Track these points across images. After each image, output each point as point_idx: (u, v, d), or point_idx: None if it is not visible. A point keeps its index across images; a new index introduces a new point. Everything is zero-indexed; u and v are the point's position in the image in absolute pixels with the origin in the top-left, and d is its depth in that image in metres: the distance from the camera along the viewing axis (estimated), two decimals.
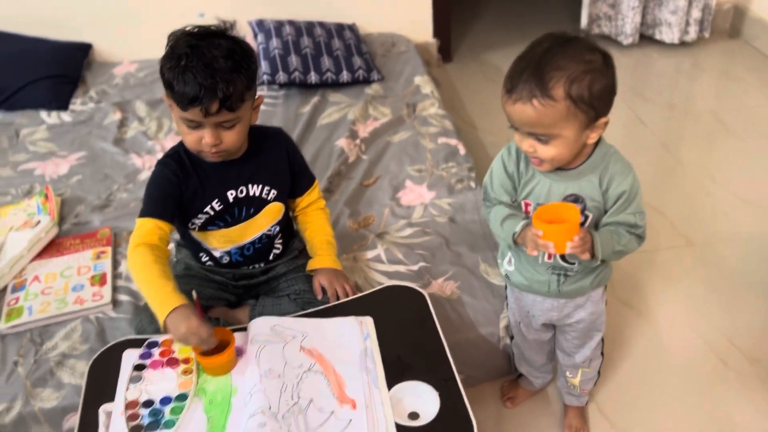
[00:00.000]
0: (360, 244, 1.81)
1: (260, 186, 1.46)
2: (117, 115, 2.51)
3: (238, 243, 1.51)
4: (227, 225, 1.47)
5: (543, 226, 1.14)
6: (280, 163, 1.51)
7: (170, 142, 2.34)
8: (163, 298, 1.28)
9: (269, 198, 1.49)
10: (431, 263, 1.72)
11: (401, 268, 1.71)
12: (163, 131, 2.42)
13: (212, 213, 1.44)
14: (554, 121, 1.10)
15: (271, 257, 1.58)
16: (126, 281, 1.74)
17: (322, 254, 1.55)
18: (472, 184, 2.00)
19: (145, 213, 1.40)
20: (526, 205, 1.26)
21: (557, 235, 1.14)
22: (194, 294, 1.31)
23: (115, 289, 1.71)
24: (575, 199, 1.21)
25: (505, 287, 1.49)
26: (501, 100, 1.14)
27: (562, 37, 1.12)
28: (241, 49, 1.30)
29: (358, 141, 2.26)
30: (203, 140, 1.31)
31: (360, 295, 1.49)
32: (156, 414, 1.21)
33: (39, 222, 1.87)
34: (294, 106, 2.49)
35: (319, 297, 1.50)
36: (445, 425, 1.19)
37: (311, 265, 1.55)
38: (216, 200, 1.43)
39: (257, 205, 1.48)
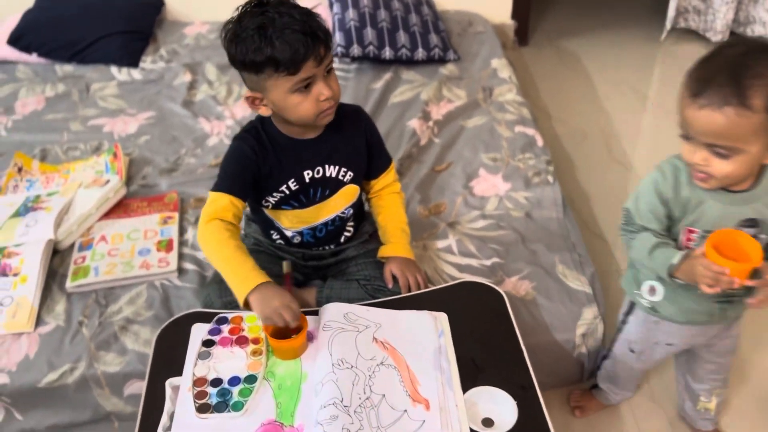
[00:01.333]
0: (430, 232, 1.75)
1: (337, 167, 1.41)
2: (187, 77, 2.48)
3: (311, 224, 1.46)
4: (301, 205, 1.42)
5: (728, 263, 1.02)
6: (357, 144, 1.45)
7: (239, 110, 2.30)
8: (245, 274, 1.26)
9: (345, 180, 1.43)
10: (505, 260, 1.65)
11: (473, 262, 1.65)
12: (232, 97, 2.38)
13: (287, 192, 1.39)
14: (744, 134, 1.00)
15: (342, 240, 1.53)
16: (192, 249, 1.72)
17: (396, 242, 1.50)
18: (550, 179, 1.91)
19: (220, 187, 1.36)
20: (690, 232, 1.15)
21: (743, 272, 1.03)
22: (286, 267, 1.27)
23: (180, 257, 1.69)
24: (752, 224, 1.11)
25: (627, 313, 1.38)
26: (680, 103, 1.05)
27: (758, 42, 1.01)
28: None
29: (430, 123, 2.19)
30: (320, 97, 1.25)
31: (433, 288, 1.43)
32: (224, 394, 1.18)
33: (108, 181, 1.86)
34: (366, 82, 2.42)
35: (390, 286, 1.45)
36: None
37: (383, 252, 1.50)
38: (292, 179, 1.38)
39: (333, 186, 1.43)
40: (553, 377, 1.57)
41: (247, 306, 1.24)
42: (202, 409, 1.16)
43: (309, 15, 1.22)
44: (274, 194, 1.39)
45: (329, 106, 1.29)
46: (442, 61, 2.52)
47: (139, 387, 1.46)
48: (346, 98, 2.30)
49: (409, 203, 1.85)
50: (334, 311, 1.32)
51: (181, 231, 1.78)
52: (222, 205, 1.33)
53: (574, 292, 1.56)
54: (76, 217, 1.75)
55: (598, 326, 1.52)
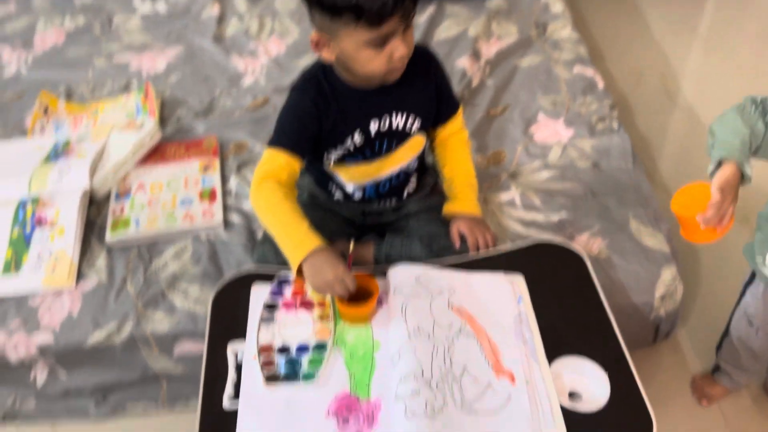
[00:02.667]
0: (490, 183, 1.63)
1: (404, 115, 1.28)
2: (215, 9, 2.31)
3: (375, 178, 1.35)
4: (365, 159, 1.30)
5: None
6: (427, 88, 1.32)
7: (273, 45, 2.15)
8: (299, 239, 1.14)
9: (413, 130, 1.31)
10: (573, 215, 1.53)
11: (539, 217, 1.53)
12: (265, 32, 2.22)
13: (351, 146, 1.28)
14: None
15: (405, 194, 1.42)
16: (236, 200, 1.61)
17: (464, 198, 1.38)
18: (615, 125, 1.77)
19: (276, 143, 1.23)
20: None
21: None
22: (351, 245, 1.16)
23: (225, 208, 1.58)
24: None
25: (747, 283, 1.27)
26: None
27: None
28: None
29: (482, 62, 2.03)
30: (395, 54, 1.11)
31: (506, 249, 1.33)
32: (293, 364, 1.10)
33: (143, 124, 1.73)
34: None
35: (457, 246, 1.35)
36: (619, 416, 1.04)
37: (450, 208, 1.39)
38: (357, 132, 1.26)
39: (399, 137, 1.31)
40: (625, 341, 1.47)
41: (300, 273, 1.14)
42: (272, 379, 1.08)
43: None
44: (337, 148, 1.27)
45: (402, 64, 1.15)
46: None
47: (189, 347, 1.38)
48: None
49: None
50: (404, 274, 1.22)
51: (224, 180, 1.66)
52: (278, 164, 1.21)
53: (650, 250, 1.45)
54: (111, 164, 1.64)
55: (677, 287, 1.42)
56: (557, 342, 1.15)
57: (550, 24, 2.19)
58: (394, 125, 1.28)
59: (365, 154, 1.30)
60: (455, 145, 1.42)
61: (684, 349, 1.57)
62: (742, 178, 1.01)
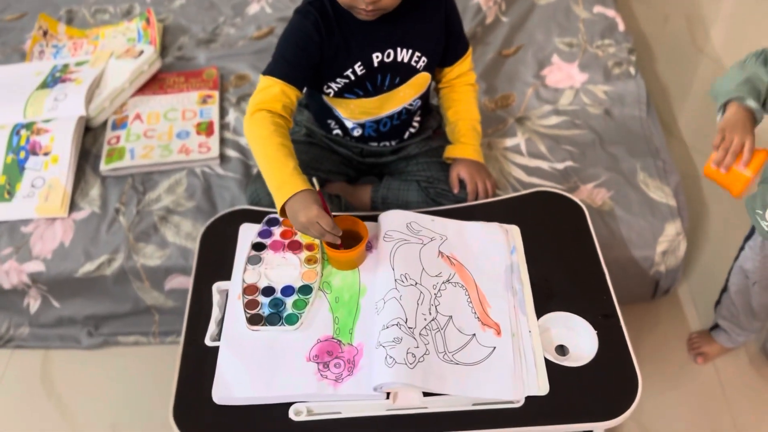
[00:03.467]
0: (496, 127, 1.58)
1: (410, 51, 1.22)
2: None
3: (375, 116, 1.30)
4: (367, 94, 1.25)
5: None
6: (435, 25, 1.25)
7: None
8: (282, 179, 1.09)
9: (418, 66, 1.25)
10: (580, 163, 1.48)
11: (544, 165, 1.48)
12: None
13: (353, 78, 1.22)
14: None
15: (405, 135, 1.37)
16: (234, 134, 1.57)
17: (466, 142, 1.33)
18: (632, 71, 1.69)
19: (272, 71, 1.17)
20: None
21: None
22: (315, 182, 1.12)
23: (222, 142, 1.55)
24: None
25: (746, 237, 1.23)
26: None
27: None
28: None
29: None
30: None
31: (504, 197, 1.29)
32: (277, 305, 1.08)
33: (142, 52, 1.68)
34: None
35: (456, 191, 1.31)
36: (604, 372, 1.02)
37: (451, 152, 1.34)
38: (359, 63, 1.20)
39: (404, 73, 1.25)
40: (623, 294, 1.44)
41: (284, 214, 1.11)
42: (254, 320, 1.07)
43: None
44: (338, 80, 1.22)
45: (371, 8, 1.09)
46: None
47: (180, 282, 1.37)
48: None
49: None
50: (395, 219, 1.19)
51: (222, 113, 1.62)
52: (272, 93, 1.16)
53: (656, 204, 1.40)
54: (108, 91, 1.60)
55: (680, 243, 1.37)
56: (549, 295, 1.12)
57: None
58: (399, 59, 1.22)
59: (367, 88, 1.24)
60: (461, 88, 1.36)
61: (684, 307, 1.53)
62: (754, 117, 0.97)
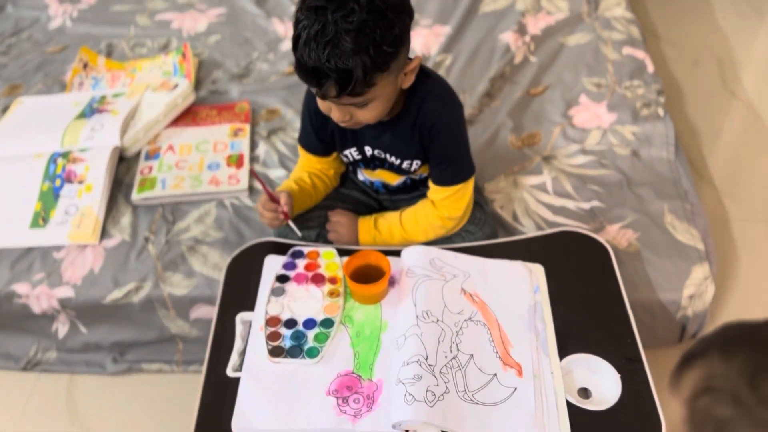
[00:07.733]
0: (522, 165, 1.58)
1: (399, 159, 1.25)
2: None
3: (382, 180, 1.34)
4: (368, 168, 1.32)
5: None
6: (413, 142, 1.20)
7: None
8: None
9: (412, 168, 1.26)
10: (607, 204, 1.47)
11: (570, 204, 1.48)
12: None
13: (351, 159, 1.28)
14: None
15: (417, 192, 1.38)
16: (263, 167, 1.60)
17: (378, 222, 1.31)
18: (661, 112, 1.69)
19: (299, 139, 1.32)
20: None
21: None
22: (252, 169, 1.30)
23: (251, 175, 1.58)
24: None
25: None
26: None
27: None
28: (377, 16, 0.97)
29: (527, 38, 1.96)
30: (330, 112, 1.10)
31: (528, 235, 1.29)
32: (299, 338, 1.09)
33: (177, 85, 1.73)
34: None
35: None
36: (627, 416, 1.01)
37: (364, 221, 1.32)
38: (354, 149, 1.26)
39: (397, 169, 1.28)
40: (645, 336, 1.41)
41: None
42: (275, 352, 1.07)
43: (347, 56, 0.96)
44: (343, 153, 1.29)
45: (343, 125, 1.12)
46: None
47: (205, 311, 1.39)
48: (432, 8, 2.08)
49: (499, 131, 1.67)
50: (418, 255, 1.19)
51: (252, 146, 1.66)
52: (302, 162, 1.33)
53: (683, 246, 1.39)
54: (143, 123, 1.64)
55: (708, 287, 1.35)
56: (572, 336, 1.11)
57: (603, 1, 2.09)
58: (389, 161, 1.26)
59: (369, 166, 1.30)
60: (425, 205, 1.28)
61: None
62: None
